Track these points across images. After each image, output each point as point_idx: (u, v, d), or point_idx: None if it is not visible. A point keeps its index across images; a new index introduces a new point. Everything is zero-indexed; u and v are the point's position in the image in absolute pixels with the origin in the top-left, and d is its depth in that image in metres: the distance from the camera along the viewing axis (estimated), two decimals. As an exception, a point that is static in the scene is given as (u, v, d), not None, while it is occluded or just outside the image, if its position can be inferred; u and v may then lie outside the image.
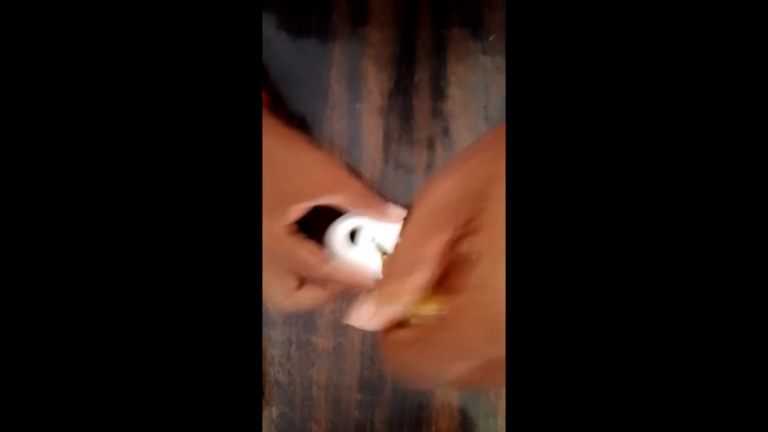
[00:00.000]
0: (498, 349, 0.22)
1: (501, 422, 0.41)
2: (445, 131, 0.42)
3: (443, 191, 0.24)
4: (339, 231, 0.39)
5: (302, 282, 0.38)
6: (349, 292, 0.38)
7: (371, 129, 0.42)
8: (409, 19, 0.42)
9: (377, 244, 0.39)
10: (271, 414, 0.42)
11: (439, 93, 0.42)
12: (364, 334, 0.42)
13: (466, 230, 0.23)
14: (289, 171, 0.36)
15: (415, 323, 0.26)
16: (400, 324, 0.26)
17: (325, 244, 0.39)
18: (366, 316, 0.26)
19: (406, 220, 0.25)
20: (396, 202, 0.42)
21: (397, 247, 0.25)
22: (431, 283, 0.25)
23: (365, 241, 0.39)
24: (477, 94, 0.42)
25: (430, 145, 0.42)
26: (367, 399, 0.42)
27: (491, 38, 0.42)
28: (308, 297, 0.39)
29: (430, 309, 0.25)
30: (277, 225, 0.36)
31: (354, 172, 0.42)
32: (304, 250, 0.37)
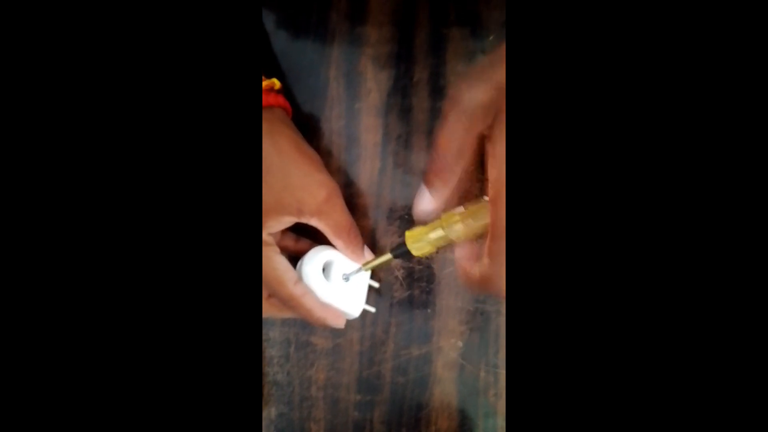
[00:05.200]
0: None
1: (501, 422, 0.41)
2: (445, 130, 0.42)
3: (478, 91, 0.25)
4: (313, 261, 0.37)
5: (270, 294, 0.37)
6: (309, 321, 0.37)
7: (370, 128, 0.42)
8: (408, 18, 0.42)
9: (348, 280, 0.38)
10: (270, 414, 0.42)
11: (438, 92, 0.42)
12: (362, 334, 0.42)
13: (489, 132, 0.25)
14: (289, 182, 0.35)
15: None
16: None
17: (297, 270, 0.37)
18: (425, 204, 0.28)
19: (444, 116, 0.26)
20: (394, 201, 0.42)
21: (443, 137, 0.27)
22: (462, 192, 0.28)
23: (336, 276, 0.38)
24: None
25: (429, 144, 0.42)
26: (366, 399, 0.41)
27: (491, 38, 0.42)
28: (272, 308, 0.38)
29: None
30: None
31: (351, 190, 0.42)
32: (278, 264, 0.35)
